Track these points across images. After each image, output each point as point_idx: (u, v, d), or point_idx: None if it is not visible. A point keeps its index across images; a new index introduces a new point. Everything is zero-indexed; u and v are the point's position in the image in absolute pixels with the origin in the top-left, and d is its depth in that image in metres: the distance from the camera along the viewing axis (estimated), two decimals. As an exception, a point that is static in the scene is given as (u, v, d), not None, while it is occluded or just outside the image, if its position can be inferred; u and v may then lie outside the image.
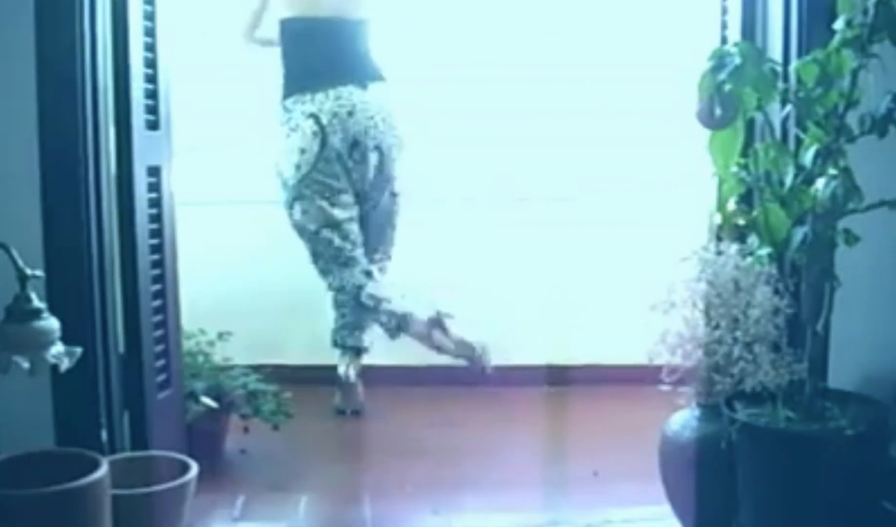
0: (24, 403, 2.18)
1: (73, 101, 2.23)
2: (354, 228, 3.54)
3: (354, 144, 3.47)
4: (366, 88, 3.48)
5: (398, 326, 3.51)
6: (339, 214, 3.49)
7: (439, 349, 3.49)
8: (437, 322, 3.48)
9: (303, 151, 3.45)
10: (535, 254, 3.81)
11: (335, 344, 3.63)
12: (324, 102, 3.45)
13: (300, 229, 3.52)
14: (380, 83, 3.53)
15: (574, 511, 2.68)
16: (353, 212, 3.54)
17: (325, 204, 3.47)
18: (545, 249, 3.79)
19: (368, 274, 3.53)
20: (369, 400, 3.55)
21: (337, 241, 3.50)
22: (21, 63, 2.20)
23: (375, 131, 3.48)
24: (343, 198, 3.50)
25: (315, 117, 3.43)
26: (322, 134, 3.43)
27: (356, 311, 3.56)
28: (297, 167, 3.45)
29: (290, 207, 3.51)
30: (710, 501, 2.28)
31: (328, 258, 3.53)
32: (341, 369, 3.58)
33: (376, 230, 3.63)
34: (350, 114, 3.45)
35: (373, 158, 3.51)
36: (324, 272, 3.56)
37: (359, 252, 3.53)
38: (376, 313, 3.52)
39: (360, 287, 3.52)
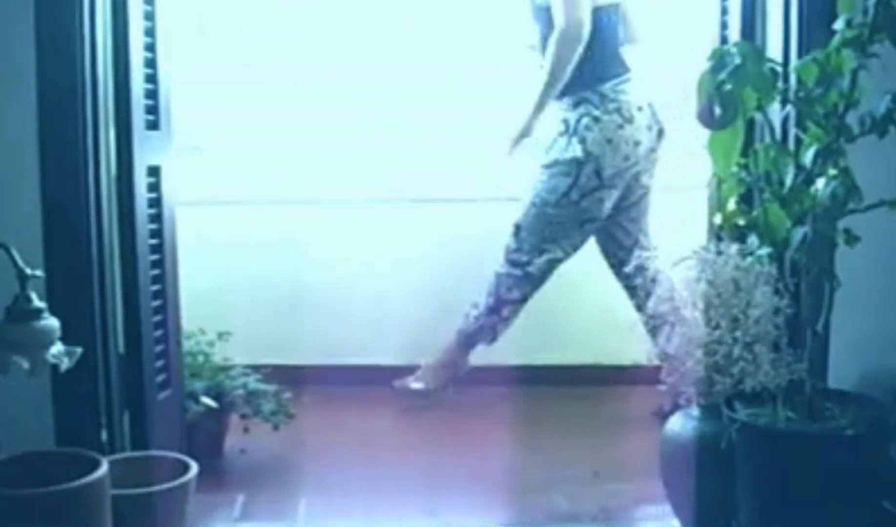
0: (24, 403, 2.18)
1: (73, 101, 2.24)
2: None
3: (660, 133, 3.47)
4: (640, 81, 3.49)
5: (471, 340, 3.57)
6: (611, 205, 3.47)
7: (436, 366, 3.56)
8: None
9: (637, 144, 3.39)
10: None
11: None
12: (635, 89, 3.42)
13: (578, 214, 3.43)
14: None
15: (574, 511, 2.68)
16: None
17: (616, 194, 3.44)
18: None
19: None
20: (369, 399, 3.55)
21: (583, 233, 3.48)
22: (21, 63, 2.20)
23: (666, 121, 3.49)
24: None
25: (644, 111, 3.40)
26: (653, 129, 3.42)
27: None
28: (626, 158, 3.39)
29: (587, 196, 3.40)
30: (710, 501, 2.28)
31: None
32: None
33: (640, 213, 3.56)
34: (652, 104, 3.44)
35: (662, 142, 3.51)
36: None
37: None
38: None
39: (523, 299, 3.54)
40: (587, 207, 3.42)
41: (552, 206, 3.44)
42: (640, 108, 3.40)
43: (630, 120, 3.38)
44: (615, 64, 3.44)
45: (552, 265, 3.50)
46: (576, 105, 3.42)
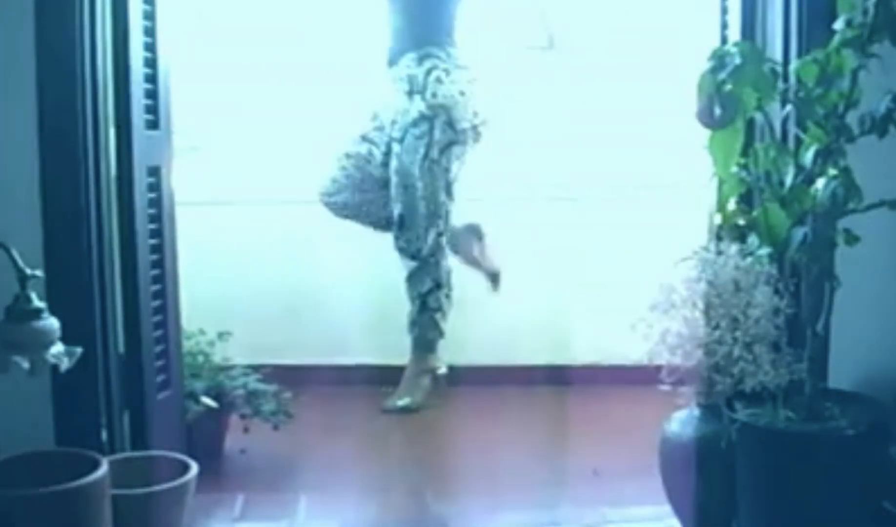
0: (24, 403, 2.18)
1: (73, 101, 2.23)
2: None
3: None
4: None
5: (426, 344, 3.57)
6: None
7: (416, 365, 3.54)
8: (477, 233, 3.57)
9: (462, 94, 3.47)
10: (534, 254, 3.81)
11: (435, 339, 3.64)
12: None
13: (440, 175, 3.48)
14: None
15: (574, 510, 2.68)
16: None
17: (466, 157, 3.53)
18: (545, 249, 3.79)
19: (449, 274, 3.60)
20: (369, 400, 3.55)
21: (450, 199, 3.54)
22: (21, 63, 2.20)
23: None
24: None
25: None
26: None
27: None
28: (476, 114, 3.49)
29: (444, 151, 3.46)
30: (710, 501, 2.28)
31: (433, 215, 3.51)
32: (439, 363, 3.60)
33: None
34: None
35: None
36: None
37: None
38: (430, 319, 3.56)
39: (439, 286, 3.57)
40: (448, 166, 3.44)
41: (418, 178, 3.45)
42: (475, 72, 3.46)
43: (478, 79, 3.44)
44: (452, 35, 3.48)
45: (443, 236, 3.53)
46: (421, 60, 3.42)
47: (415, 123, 3.43)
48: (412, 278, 3.57)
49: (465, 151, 3.46)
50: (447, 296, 3.58)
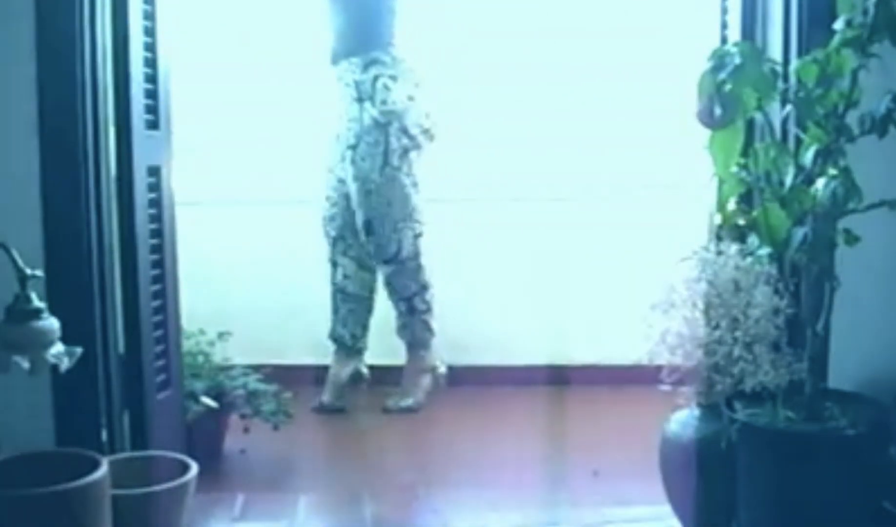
0: (24, 403, 2.18)
1: (73, 101, 2.23)
2: None
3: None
4: None
5: (421, 343, 3.55)
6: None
7: (413, 366, 3.54)
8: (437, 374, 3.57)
9: (410, 98, 3.46)
10: (535, 254, 3.82)
11: (345, 340, 3.62)
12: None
13: (403, 180, 3.47)
14: None
15: (574, 511, 2.68)
16: None
17: (425, 156, 3.52)
18: (545, 249, 3.79)
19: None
20: (369, 400, 3.55)
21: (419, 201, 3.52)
22: (21, 63, 2.20)
23: None
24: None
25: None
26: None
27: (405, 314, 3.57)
28: (427, 116, 3.48)
29: (403, 156, 3.46)
30: (710, 501, 2.28)
31: (407, 219, 3.50)
32: (343, 369, 3.57)
33: None
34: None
35: None
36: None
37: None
38: (421, 321, 3.56)
39: (425, 287, 3.54)
40: (409, 170, 3.45)
41: (381, 184, 3.45)
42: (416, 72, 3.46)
43: (423, 81, 3.45)
44: (392, 37, 3.47)
45: (421, 237, 3.53)
46: (367, 66, 3.42)
47: (368, 131, 3.43)
48: (392, 282, 3.56)
49: (420, 155, 3.47)
50: (433, 296, 3.58)
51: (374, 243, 3.52)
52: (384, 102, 3.39)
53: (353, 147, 3.45)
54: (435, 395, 3.57)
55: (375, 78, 3.41)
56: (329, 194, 3.59)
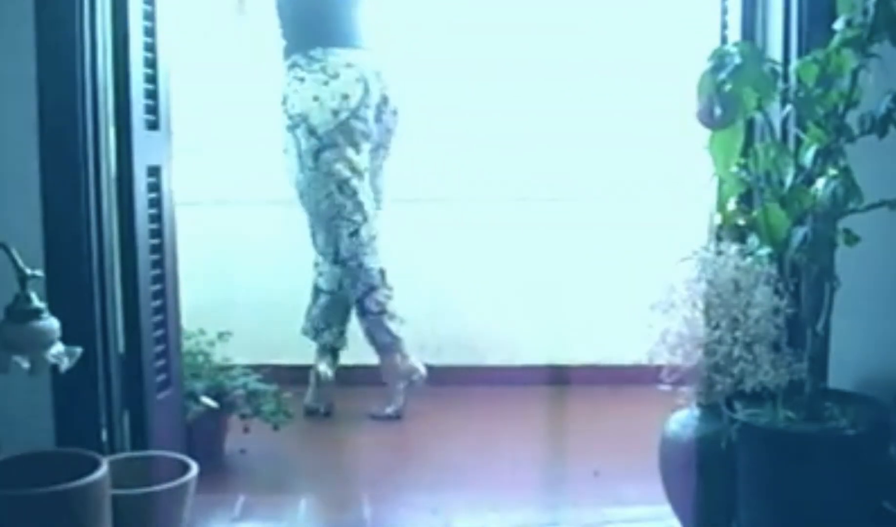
0: (24, 403, 2.18)
1: (73, 101, 2.23)
2: (366, 186, 3.50)
3: (385, 98, 3.49)
4: (373, 56, 3.50)
5: (387, 347, 3.50)
6: (361, 162, 3.46)
7: (387, 371, 3.50)
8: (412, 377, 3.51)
9: (345, 97, 3.39)
10: (535, 254, 3.82)
11: (309, 335, 3.60)
12: (357, 56, 3.44)
13: (324, 180, 3.43)
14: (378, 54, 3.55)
15: (574, 511, 2.68)
16: (368, 165, 3.51)
17: (352, 152, 3.44)
18: (545, 250, 3.79)
19: (383, 274, 3.51)
20: (369, 400, 3.55)
21: (351, 198, 3.45)
22: (21, 63, 2.20)
23: (392, 93, 3.51)
24: (364, 147, 3.48)
25: (355, 67, 3.42)
26: (365, 82, 3.42)
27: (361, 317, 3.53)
28: (336, 113, 3.40)
29: (317, 157, 3.42)
30: (710, 501, 2.28)
31: (336, 217, 3.46)
32: (321, 368, 3.55)
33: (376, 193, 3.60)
34: (378, 73, 3.46)
35: (393, 118, 3.53)
36: (329, 233, 3.48)
37: (366, 225, 3.49)
38: (376, 323, 3.50)
39: (373, 288, 3.49)
40: (328, 170, 3.42)
41: (305, 185, 3.46)
42: (349, 65, 3.41)
43: (335, 76, 3.40)
44: (332, 33, 3.45)
45: (358, 236, 3.47)
46: (288, 70, 3.46)
47: (285, 136, 3.47)
48: (343, 284, 3.55)
49: (342, 153, 3.42)
50: (388, 297, 3.52)
51: (318, 245, 3.53)
52: (293, 106, 3.43)
53: (285, 151, 3.50)
54: (412, 400, 3.52)
55: (289, 83, 3.45)
56: None
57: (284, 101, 3.45)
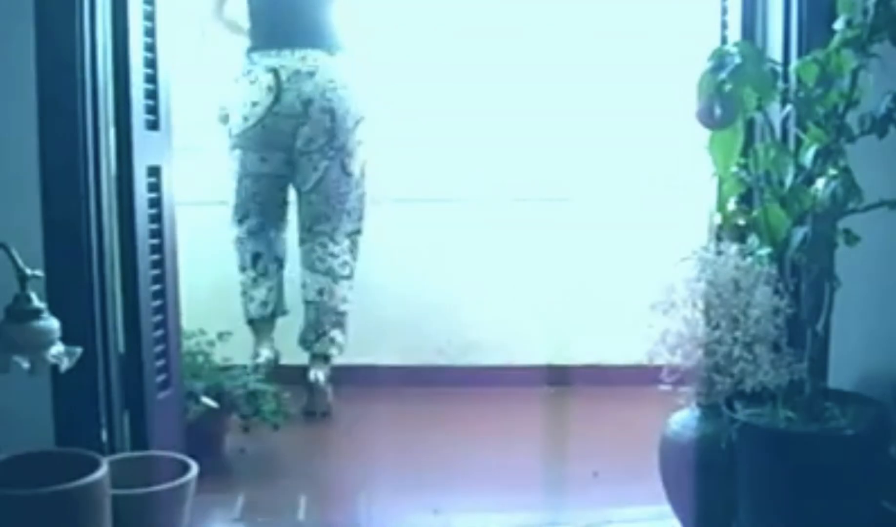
0: (24, 403, 2.18)
1: (73, 101, 2.23)
2: (275, 193, 3.60)
3: (307, 102, 3.47)
4: (333, 55, 3.51)
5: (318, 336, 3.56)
6: (265, 169, 3.54)
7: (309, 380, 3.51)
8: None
9: (254, 104, 3.47)
10: (535, 254, 3.82)
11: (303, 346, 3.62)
12: (288, 59, 3.47)
13: (234, 176, 3.58)
14: (346, 54, 3.54)
15: (574, 511, 2.68)
16: (281, 171, 3.56)
17: (255, 157, 3.52)
18: (545, 250, 3.79)
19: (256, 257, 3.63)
20: (369, 400, 3.55)
21: (257, 193, 3.57)
22: (21, 63, 2.20)
23: (332, 94, 3.48)
24: (276, 156, 3.53)
25: (275, 72, 3.46)
26: (277, 90, 3.45)
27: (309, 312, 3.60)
28: (245, 118, 3.48)
29: (230, 153, 3.56)
30: (710, 501, 2.28)
31: (245, 212, 3.59)
32: (311, 374, 3.54)
33: (320, 205, 3.58)
34: (311, 74, 3.46)
35: (324, 119, 3.49)
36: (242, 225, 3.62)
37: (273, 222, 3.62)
38: (318, 311, 3.56)
39: (280, 259, 3.64)
40: (232, 165, 3.57)
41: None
42: (270, 70, 3.45)
43: (254, 81, 3.48)
44: (280, 35, 3.50)
45: (249, 234, 3.61)
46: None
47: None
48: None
49: (248, 155, 3.53)
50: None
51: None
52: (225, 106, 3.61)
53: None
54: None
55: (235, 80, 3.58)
56: None
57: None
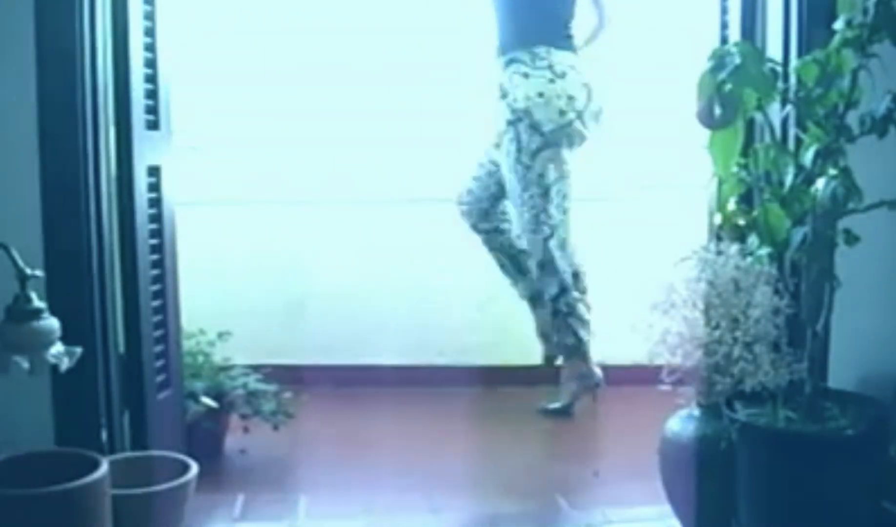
0: (24, 403, 2.18)
1: (73, 101, 2.23)
2: (569, 188, 3.51)
3: (601, 111, 3.48)
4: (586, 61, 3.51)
5: (570, 349, 3.50)
6: (571, 165, 3.48)
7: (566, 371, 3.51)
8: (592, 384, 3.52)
9: (571, 98, 3.39)
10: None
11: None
12: (576, 61, 3.45)
13: (537, 179, 3.43)
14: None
15: (575, 511, 2.68)
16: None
17: (567, 154, 3.44)
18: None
19: (577, 277, 3.52)
20: (369, 399, 3.55)
21: (551, 202, 3.46)
22: (21, 63, 2.20)
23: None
24: (576, 152, 3.48)
25: (578, 72, 3.42)
26: (589, 87, 3.42)
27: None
28: (562, 113, 3.39)
29: (535, 155, 3.41)
30: (710, 501, 2.28)
31: (533, 220, 3.47)
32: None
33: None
34: (590, 79, 3.47)
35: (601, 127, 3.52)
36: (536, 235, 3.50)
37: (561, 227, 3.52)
38: (569, 322, 3.50)
39: (565, 289, 3.49)
40: (542, 171, 3.41)
41: (512, 175, 3.44)
42: (572, 67, 3.40)
43: (562, 76, 3.39)
44: (555, 34, 3.45)
45: (553, 238, 3.49)
46: (507, 65, 3.43)
47: (505, 129, 3.44)
48: (537, 284, 3.56)
49: (558, 154, 3.42)
50: (578, 300, 3.51)
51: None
52: (515, 99, 3.41)
53: (497, 146, 3.49)
54: (584, 401, 3.52)
55: (511, 76, 3.43)
56: (471, 187, 3.67)
57: (505, 96, 3.43)
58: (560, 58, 3.40)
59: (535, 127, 3.37)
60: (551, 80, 3.38)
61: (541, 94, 3.37)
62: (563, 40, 3.46)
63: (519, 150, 3.40)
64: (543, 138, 3.37)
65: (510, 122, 3.41)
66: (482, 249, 3.82)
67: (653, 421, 2.45)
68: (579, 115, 3.40)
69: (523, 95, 3.37)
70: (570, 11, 3.50)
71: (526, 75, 3.39)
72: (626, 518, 2.61)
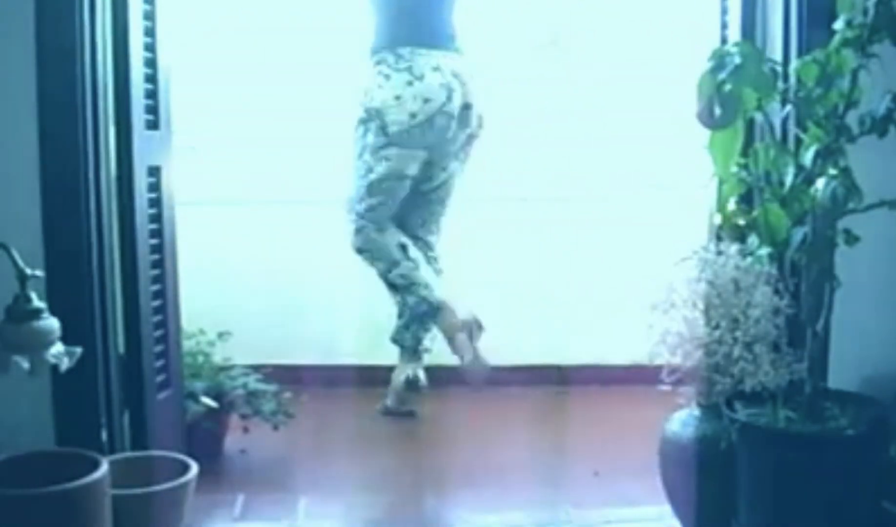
0: (24, 403, 2.18)
1: (73, 101, 2.23)
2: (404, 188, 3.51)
3: (466, 106, 3.45)
4: (463, 58, 3.49)
5: (427, 313, 3.49)
6: (411, 170, 3.47)
7: (457, 351, 3.47)
8: (470, 326, 3.47)
9: (426, 101, 3.38)
10: (535, 254, 3.81)
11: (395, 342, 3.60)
12: (443, 59, 3.42)
13: (380, 179, 3.45)
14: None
15: (574, 511, 2.68)
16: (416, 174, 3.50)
17: (409, 156, 3.43)
18: (545, 249, 3.79)
19: (403, 248, 3.51)
20: (369, 399, 3.55)
21: (398, 195, 3.48)
22: (21, 63, 2.20)
23: (478, 101, 3.49)
24: (419, 155, 3.46)
25: (441, 72, 3.40)
26: (448, 89, 3.40)
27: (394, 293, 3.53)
28: (413, 115, 3.38)
29: (377, 153, 3.43)
30: (710, 501, 2.28)
31: (383, 218, 3.49)
32: (408, 372, 3.53)
33: (437, 204, 3.62)
34: (462, 77, 3.44)
35: (474, 123, 3.51)
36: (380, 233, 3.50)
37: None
38: (407, 294, 3.50)
39: (394, 263, 3.50)
40: (374, 167, 3.43)
41: (355, 171, 3.48)
42: (435, 69, 3.39)
43: (420, 77, 3.39)
44: (426, 33, 3.44)
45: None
46: (375, 66, 3.46)
47: (356, 126, 3.47)
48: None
49: (405, 158, 3.43)
50: (411, 268, 3.51)
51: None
52: (372, 99, 3.42)
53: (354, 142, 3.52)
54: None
55: (374, 77, 3.43)
56: None
57: (365, 94, 3.44)
58: (424, 59, 3.39)
59: (382, 127, 3.40)
60: (409, 83, 3.38)
61: (397, 97, 3.39)
62: (437, 39, 3.44)
63: (362, 148, 3.45)
64: (387, 138, 3.40)
65: (361, 120, 3.45)
66: (482, 248, 3.83)
67: (653, 421, 2.45)
68: (430, 118, 3.38)
69: (380, 97, 3.40)
70: (449, 9, 3.48)
71: (388, 77, 3.41)
72: (626, 518, 2.62)
